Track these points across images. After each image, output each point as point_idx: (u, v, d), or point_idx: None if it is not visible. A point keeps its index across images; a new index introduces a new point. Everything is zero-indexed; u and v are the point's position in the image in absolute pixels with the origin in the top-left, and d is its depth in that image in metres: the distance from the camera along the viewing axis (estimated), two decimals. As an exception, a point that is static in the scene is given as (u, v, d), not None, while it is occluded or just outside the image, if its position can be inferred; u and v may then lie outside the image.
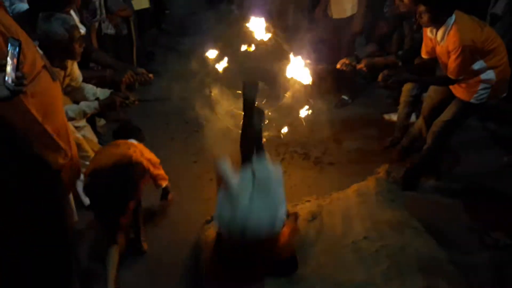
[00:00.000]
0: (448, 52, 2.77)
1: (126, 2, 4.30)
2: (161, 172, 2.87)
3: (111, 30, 4.14)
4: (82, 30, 2.73)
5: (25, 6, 2.67)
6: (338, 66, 3.34)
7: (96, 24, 3.86)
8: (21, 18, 2.20)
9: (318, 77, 3.40)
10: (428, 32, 2.92)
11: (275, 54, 3.36)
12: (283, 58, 3.23)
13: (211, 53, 3.27)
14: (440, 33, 2.79)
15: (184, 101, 3.92)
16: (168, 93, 4.11)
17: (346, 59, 3.32)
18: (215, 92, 3.30)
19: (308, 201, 3.09)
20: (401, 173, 3.34)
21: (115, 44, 4.21)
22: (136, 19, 4.55)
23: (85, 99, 2.70)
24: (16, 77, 1.46)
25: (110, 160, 2.46)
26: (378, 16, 4.22)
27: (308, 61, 3.16)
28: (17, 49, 1.48)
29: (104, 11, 3.90)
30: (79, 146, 2.69)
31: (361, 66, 3.28)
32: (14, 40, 1.49)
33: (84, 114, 2.61)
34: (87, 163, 2.72)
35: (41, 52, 1.93)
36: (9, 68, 1.47)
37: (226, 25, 4.11)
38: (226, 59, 3.28)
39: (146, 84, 2.97)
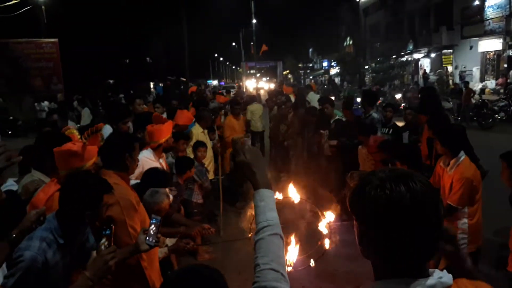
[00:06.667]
0: (452, 182, 3.39)
1: (205, 176, 5.40)
2: None
3: (200, 200, 5.14)
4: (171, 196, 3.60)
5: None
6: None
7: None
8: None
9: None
10: (441, 163, 3.63)
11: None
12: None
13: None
14: (452, 162, 3.47)
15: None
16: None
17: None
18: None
19: None
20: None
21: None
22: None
23: None
24: (156, 239, 2.26)
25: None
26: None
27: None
28: (159, 221, 2.31)
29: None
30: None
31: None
32: (157, 216, 2.35)
33: None
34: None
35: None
36: (151, 231, 2.25)
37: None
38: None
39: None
